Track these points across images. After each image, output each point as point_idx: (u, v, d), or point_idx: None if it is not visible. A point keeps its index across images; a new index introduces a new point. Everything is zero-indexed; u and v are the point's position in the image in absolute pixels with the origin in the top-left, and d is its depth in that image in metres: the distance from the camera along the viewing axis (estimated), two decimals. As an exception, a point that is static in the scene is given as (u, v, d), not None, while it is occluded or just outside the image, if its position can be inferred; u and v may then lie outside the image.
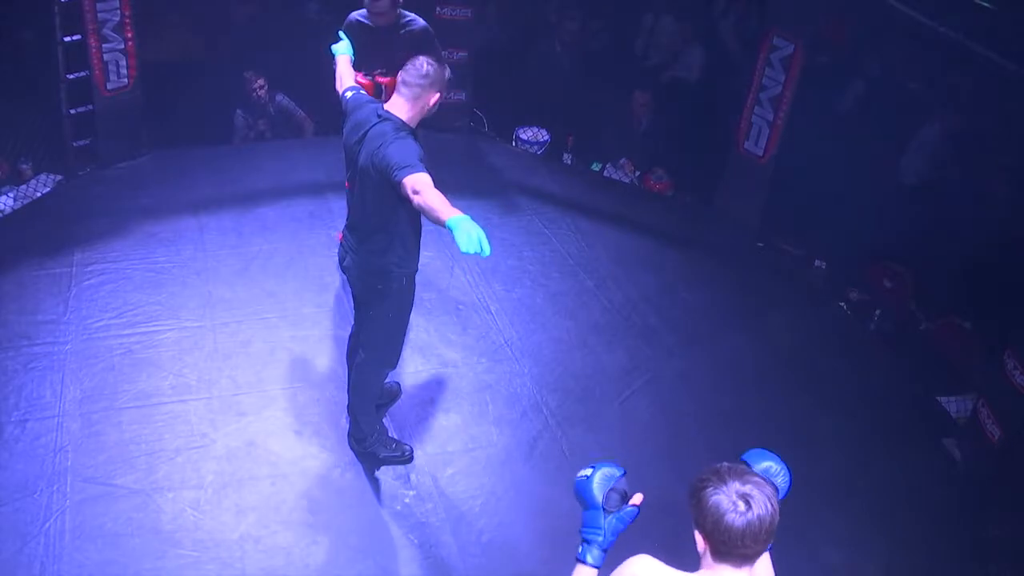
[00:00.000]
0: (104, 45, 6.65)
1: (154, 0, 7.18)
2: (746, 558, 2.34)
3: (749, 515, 2.27)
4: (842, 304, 6.58)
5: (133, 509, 4.51)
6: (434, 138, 7.91)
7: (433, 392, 5.38)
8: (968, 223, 6.09)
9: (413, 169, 3.86)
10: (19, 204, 6.61)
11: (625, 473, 2.59)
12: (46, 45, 6.62)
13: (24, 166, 6.80)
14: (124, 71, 6.82)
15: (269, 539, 4.45)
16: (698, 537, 2.37)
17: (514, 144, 8.23)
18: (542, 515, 4.65)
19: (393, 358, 4.66)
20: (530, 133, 8.24)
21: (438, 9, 7.69)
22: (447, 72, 4.29)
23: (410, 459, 4.91)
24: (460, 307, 6.05)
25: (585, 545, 2.53)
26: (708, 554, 2.37)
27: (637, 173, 7.93)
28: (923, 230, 6.32)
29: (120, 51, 6.73)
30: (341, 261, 4.52)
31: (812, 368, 5.88)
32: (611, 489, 2.54)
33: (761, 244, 7.12)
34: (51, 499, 4.51)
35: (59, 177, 6.87)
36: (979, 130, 6.45)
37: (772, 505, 2.31)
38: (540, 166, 7.93)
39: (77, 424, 4.93)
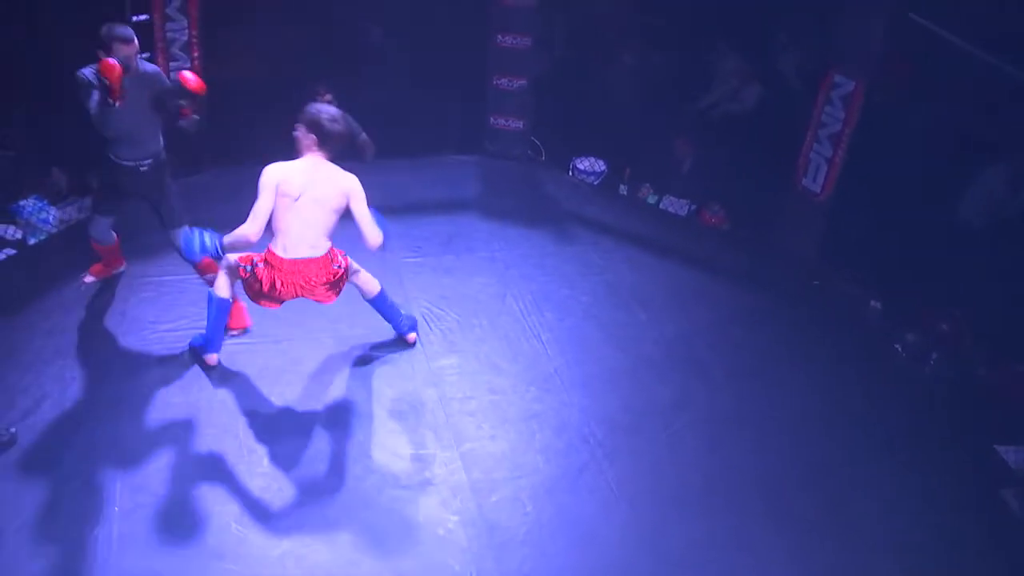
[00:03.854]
0: (171, 63, 6.82)
1: (220, 22, 7.32)
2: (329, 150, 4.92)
3: (339, 123, 4.84)
4: (897, 346, 6.47)
5: (178, 521, 4.55)
6: (491, 165, 8.00)
7: (480, 419, 5.37)
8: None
9: None
10: (83, 215, 6.76)
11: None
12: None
13: (91, 179, 6.92)
14: (189, 89, 6.95)
15: (311, 557, 4.45)
16: (305, 137, 4.88)
17: (571, 174, 8.25)
18: (586, 546, 4.60)
19: None
20: (587, 163, 8.25)
21: (499, 37, 7.75)
22: None
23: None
24: (511, 335, 6.05)
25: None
26: (311, 146, 4.90)
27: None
28: (983, 273, 6.20)
29: (186, 69, 6.85)
30: None
31: (864, 411, 5.77)
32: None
33: (817, 282, 7.04)
34: (99, 507, 4.56)
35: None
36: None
37: (349, 123, 4.34)
38: (596, 196, 7.93)
39: (127, 432, 5.00)
